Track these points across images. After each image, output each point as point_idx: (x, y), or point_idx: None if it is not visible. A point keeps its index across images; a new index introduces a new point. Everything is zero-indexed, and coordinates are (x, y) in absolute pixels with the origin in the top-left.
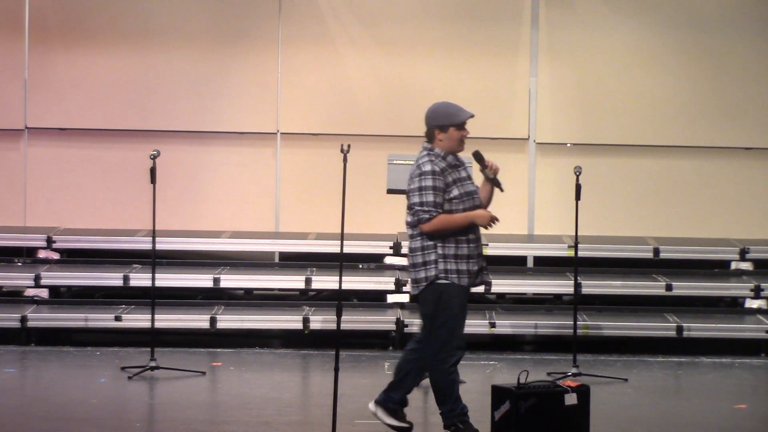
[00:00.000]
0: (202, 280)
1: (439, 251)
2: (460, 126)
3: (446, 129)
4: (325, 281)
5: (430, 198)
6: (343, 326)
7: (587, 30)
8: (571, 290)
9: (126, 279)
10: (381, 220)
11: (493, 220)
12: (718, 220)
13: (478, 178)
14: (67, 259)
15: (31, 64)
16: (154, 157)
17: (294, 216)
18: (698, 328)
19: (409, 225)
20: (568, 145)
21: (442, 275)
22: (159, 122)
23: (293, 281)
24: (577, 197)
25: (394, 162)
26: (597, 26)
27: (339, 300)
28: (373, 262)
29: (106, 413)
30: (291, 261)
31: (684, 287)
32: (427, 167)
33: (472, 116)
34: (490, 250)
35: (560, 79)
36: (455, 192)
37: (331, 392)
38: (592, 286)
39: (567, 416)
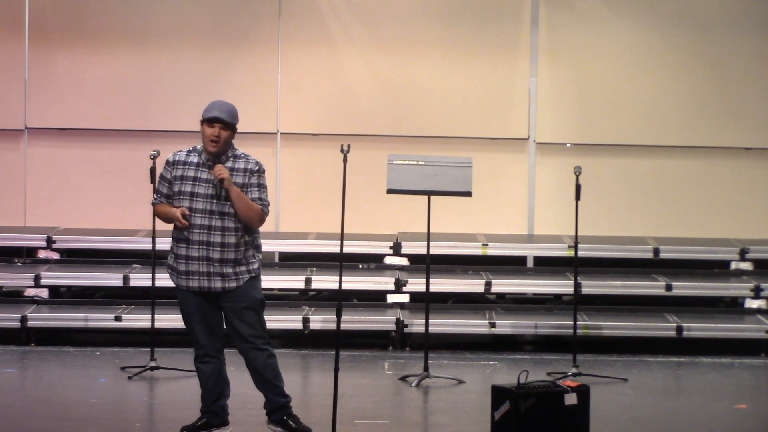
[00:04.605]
0: None
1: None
2: (209, 123)
3: (201, 124)
4: (325, 281)
5: (156, 185)
6: (343, 326)
7: (587, 30)
8: (571, 290)
9: (126, 279)
10: (381, 220)
11: (179, 218)
12: (718, 220)
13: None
14: (67, 259)
15: (31, 64)
16: (154, 157)
17: (294, 216)
18: (698, 328)
19: None
20: (568, 145)
21: (169, 270)
22: (159, 122)
23: (293, 281)
24: (577, 197)
25: (394, 162)
26: (597, 26)
27: (339, 300)
28: (373, 262)
29: (106, 413)
30: (291, 261)
31: (684, 287)
32: (168, 156)
33: (216, 119)
34: (490, 250)
35: (560, 79)
36: (175, 188)
37: (331, 392)
38: (592, 286)
39: (567, 416)
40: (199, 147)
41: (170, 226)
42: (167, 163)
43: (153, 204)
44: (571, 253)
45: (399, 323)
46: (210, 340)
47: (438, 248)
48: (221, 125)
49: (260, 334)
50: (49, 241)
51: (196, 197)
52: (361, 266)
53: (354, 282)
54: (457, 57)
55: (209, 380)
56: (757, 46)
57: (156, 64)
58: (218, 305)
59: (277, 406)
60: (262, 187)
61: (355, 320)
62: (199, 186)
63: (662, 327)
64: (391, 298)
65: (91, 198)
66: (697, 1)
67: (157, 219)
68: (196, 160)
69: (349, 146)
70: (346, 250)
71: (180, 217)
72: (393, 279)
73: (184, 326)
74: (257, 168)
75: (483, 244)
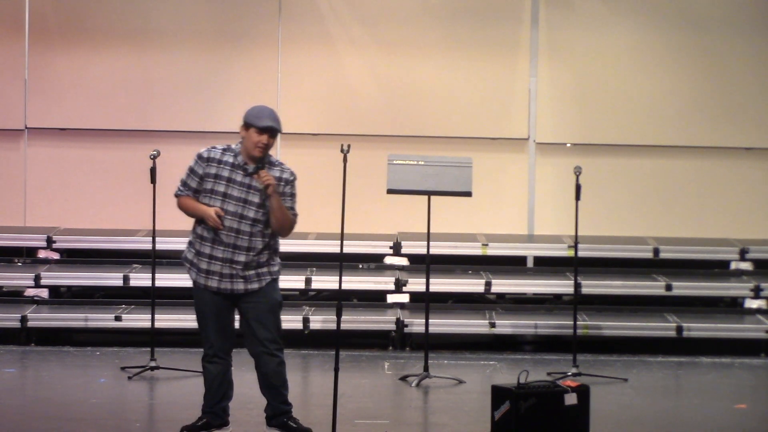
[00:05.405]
0: None
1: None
2: (260, 131)
3: (248, 128)
4: (325, 281)
5: (183, 177)
6: (343, 326)
7: (587, 30)
8: (571, 290)
9: (126, 279)
10: (381, 220)
11: (214, 220)
12: (718, 220)
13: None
14: (67, 259)
15: (31, 64)
16: (154, 157)
17: None
18: (698, 328)
19: None
20: (568, 145)
21: (187, 265)
22: (159, 122)
23: (293, 281)
24: (577, 197)
25: (394, 162)
26: (597, 26)
27: (339, 300)
28: (373, 262)
29: (106, 413)
30: (291, 261)
31: (684, 287)
32: (201, 150)
33: (271, 129)
34: (491, 250)
35: (560, 79)
36: (207, 186)
37: (331, 392)
38: (592, 286)
39: (567, 416)
40: (234, 147)
41: (172, 225)
42: (200, 158)
43: (177, 195)
44: (571, 253)
45: (399, 323)
46: (221, 340)
47: (438, 248)
48: (270, 134)
49: (275, 338)
50: (49, 241)
51: (229, 199)
52: (361, 266)
53: (354, 282)
54: (457, 57)
55: (214, 381)
56: (757, 46)
57: (156, 64)
58: (234, 306)
59: (279, 413)
60: (294, 197)
61: (355, 320)
62: (233, 188)
63: (662, 327)
64: (391, 298)
65: (91, 198)
66: (697, 1)
67: (158, 217)
68: (231, 160)
69: (349, 146)
70: (346, 250)
71: (214, 216)
72: (393, 279)
73: (184, 326)
74: (292, 178)
75: (483, 244)
